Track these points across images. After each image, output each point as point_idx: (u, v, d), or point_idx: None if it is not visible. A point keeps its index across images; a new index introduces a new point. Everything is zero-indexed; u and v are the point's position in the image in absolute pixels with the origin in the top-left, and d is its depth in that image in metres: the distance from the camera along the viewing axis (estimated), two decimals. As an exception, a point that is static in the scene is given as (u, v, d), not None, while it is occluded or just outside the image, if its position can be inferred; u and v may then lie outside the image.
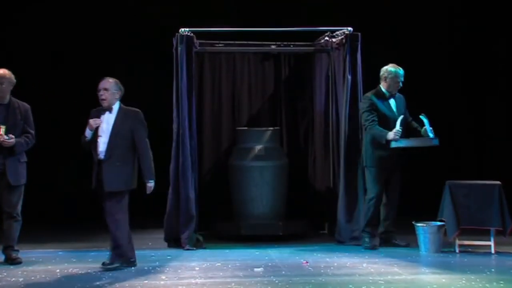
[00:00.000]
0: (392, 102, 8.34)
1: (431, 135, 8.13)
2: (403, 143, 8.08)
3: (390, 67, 8.34)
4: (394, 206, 8.38)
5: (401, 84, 8.33)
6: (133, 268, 7.23)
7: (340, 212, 8.54)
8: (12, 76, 7.58)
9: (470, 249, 8.06)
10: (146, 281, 6.69)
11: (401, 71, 8.33)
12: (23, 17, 10.67)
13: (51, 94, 10.56)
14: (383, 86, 8.34)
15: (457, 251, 7.96)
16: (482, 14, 11.00)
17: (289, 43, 9.41)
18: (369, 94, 8.35)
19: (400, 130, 8.07)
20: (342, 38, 8.71)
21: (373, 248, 8.15)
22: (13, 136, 7.39)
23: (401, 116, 8.16)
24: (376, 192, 8.23)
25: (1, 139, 7.35)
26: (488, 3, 10.90)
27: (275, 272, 6.98)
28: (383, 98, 8.32)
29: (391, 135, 8.05)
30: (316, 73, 9.55)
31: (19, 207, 7.58)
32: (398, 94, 8.40)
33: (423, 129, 8.24)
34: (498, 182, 7.93)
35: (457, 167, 8.58)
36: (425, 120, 8.16)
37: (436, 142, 8.14)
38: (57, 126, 10.49)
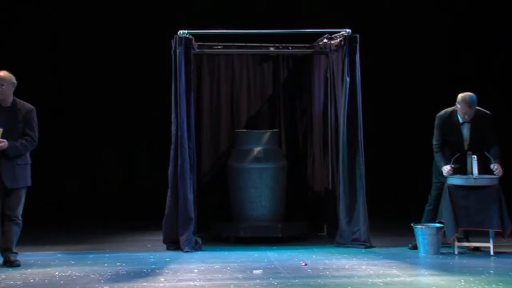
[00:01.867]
0: (465, 127, 8.06)
1: (474, 173, 7.88)
2: (454, 181, 7.92)
3: (460, 96, 7.99)
4: None
5: (467, 116, 7.96)
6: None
7: (340, 215, 8.54)
8: (13, 78, 7.53)
9: (468, 251, 8.07)
10: (145, 284, 6.68)
11: (471, 100, 7.90)
12: (23, 18, 10.67)
13: (51, 97, 10.56)
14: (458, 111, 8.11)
15: (456, 252, 7.96)
16: (481, 16, 11.01)
17: (287, 45, 9.42)
18: (444, 112, 8.14)
19: (451, 168, 7.92)
20: (340, 40, 8.71)
21: (414, 248, 8.16)
22: (3, 140, 7.33)
23: (457, 154, 7.91)
24: (433, 195, 8.24)
25: None
26: (487, 8, 10.91)
27: (274, 274, 6.98)
28: (455, 122, 8.08)
29: (444, 170, 7.98)
30: (315, 75, 9.55)
31: (20, 210, 7.53)
32: (480, 114, 8.02)
33: (491, 165, 7.97)
34: (497, 184, 7.93)
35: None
36: (474, 161, 7.90)
37: (478, 182, 7.89)
38: (58, 127, 10.49)
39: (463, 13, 11.06)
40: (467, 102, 7.95)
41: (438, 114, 8.21)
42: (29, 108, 7.60)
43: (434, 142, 8.22)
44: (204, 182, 9.44)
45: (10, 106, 7.52)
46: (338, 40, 8.79)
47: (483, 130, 8.08)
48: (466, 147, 8.09)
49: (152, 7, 10.72)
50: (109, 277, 6.98)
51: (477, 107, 8.07)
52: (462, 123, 8.09)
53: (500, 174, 7.94)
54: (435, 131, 8.22)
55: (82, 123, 10.80)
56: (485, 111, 8.15)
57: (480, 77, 11.14)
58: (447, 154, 8.10)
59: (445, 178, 8.07)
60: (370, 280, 6.71)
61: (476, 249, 8.11)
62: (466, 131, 8.10)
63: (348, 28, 8.65)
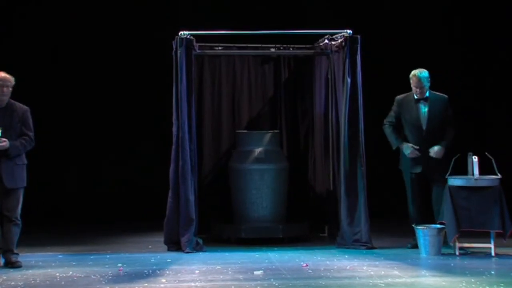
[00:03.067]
0: (421, 105, 8.27)
1: (475, 174, 7.91)
2: (455, 182, 7.92)
3: (413, 71, 8.28)
4: (436, 209, 8.22)
5: (419, 90, 8.19)
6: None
7: (341, 216, 8.53)
8: (13, 80, 7.61)
9: (470, 252, 8.06)
10: (146, 284, 6.68)
11: (419, 75, 8.20)
12: (23, 20, 10.67)
13: (51, 97, 10.56)
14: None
15: (457, 253, 7.96)
16: (482, 16, 11.01)
17: (288, 46, 9.42)
18: (402, 95, 8.42)
19: (413, 149, 8.16)
20: (341, 41, 8.71)
21: (413, 247, 8.20)
22: (5, 140, 7.37)
23: (458, 155, 7.95)
24: (409, 193, 8.36)
25: None
26: (488, 8, 10.90)
27: (275, 275, 6.98)
28: (412, 101, 8.30)
29: (407, 151, 8.19)
30: (316, 76, 9.55)
31: (18, 211, 7.55)
32: (437, 97, 8.29)
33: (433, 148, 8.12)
34: (498, 185, 7.92)
35: (458, 168, 8.57)
36: (474, 161, 7.95)
37: (479, 183, 7.91)
38: (56, 128, 10.48)
39: (463, 13, 11.04)
40: (416, 75, 8.23)
41: (398, 96, 8.45)
42: (25, 109, 7.66)
43: (385, 121, 8.43)
44: (205, 183, 9.44)
45: (6, 106, 7.55)
46: (339, 41, 8.79)
47: (441, 113, 8.26)
48: (424, 127, 8.23)
49: (152, 8, 10.71)
50: (110, 278, 6.98)
51: (435, 92, 8.33)
52: (418, 101, 8.27)
53: (437, 156, 8.10)
54: (390, 112, 8.44)
55: (82, 124, 10.79)
56: (443, 94, 8.36)
57: (480, 77, 11.13)
58: (408, 137, 8.31)
59: (418, 170, 8.22)
60: (371, 281, 6.71)
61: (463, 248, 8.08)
62: (423, 109, 8.27)
63: (349, 29, 8.65)
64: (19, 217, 7.56)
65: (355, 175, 8.49)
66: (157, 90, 10.33)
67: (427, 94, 8.30)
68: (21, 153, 7.54)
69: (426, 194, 8.34)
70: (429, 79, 8.28)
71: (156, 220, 8.86)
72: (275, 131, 9.36)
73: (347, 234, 8.48)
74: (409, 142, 8.29)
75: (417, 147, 8.20)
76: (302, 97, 9.77)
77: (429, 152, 8.19)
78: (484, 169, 8.04)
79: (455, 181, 7.96)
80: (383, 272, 7.09)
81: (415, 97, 8.30)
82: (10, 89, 7.56)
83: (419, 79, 8.23)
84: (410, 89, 8.49)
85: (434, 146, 8.18)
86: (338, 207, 8.69)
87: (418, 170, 8.28)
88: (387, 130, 8.41)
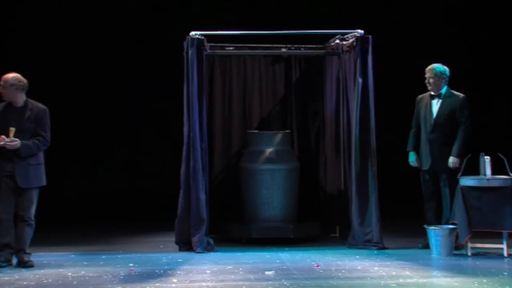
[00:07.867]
0: (435, 102, 8.33)
1: (487, 174, 7.92)
2: (467, 182, 7.93)
3: None
4: (445, 210, 8.25)
5: (428, 81, 8.28)
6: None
7: (353, 216, 8.52)
8: (17, 80, 7.54)
9: (482, 252, 8.04)
10: (158, 284, 6.69)
11: (433, 65, 8.31)
12: (27, 25, 10.69)
13: (57, 97, 10.56)
14: None
15: (469, 254, 7.93)
16: (494, 16, 10.98)
17: (299, 46, 9.41)
18: (422, 94, 8.51)
19: (417, 163, 8.38)
20: (353, 41, 8.70)
21: (424, 247, 8.20)
22: (17, 139, 7.38)
23: (469, 155, 8.00)
24: (423, 192, 8.40)
25: (2, 142, 7.35)
26: (498, 9, 10.88)
27: (286, 275, 6.98)
28: (428, 98, 8.38)
29: (410, 159, 8.44)
30: (327, 76, 9.55)
31: (32, 211, 7.57)
32: (451, 95, 8.31)
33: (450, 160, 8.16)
34: (511, 185, 7.89)
35: (468, 168, 8.55)
36: (487, 161, 7.94)
37: (491, 183, 7.91)
38: (67, 128, 10.50)
39: (473, 13, 11.02)
40: (430, 66, 8.34)
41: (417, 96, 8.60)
42: (41, 108, 7.64)
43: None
44: (216, 183, 9.45)
45: (22, 106, 7.56)
46: (350, 41, 8.78)
47: (451, 110, 8.26)
48: (431, 121, 8.28)
49: (164, 8, 10.72)
50: (121, 277, 7.00)
51: (454, 91, 8.34)
52: (433, 97, 8.32)
53: (454, 166, 8.11)
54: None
55: (95, 123, 10.82)
56: (459, 93, 8.36)
57: (492, 76, 11.09)
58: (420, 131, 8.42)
59: (426, 169, 8.31)
60: (382, 281, 6.70)
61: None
62: (435, 105, 8.33)
63: (360, 29, 8.63)
64: (32, 217, 7.58)
65: (366, 175, 8.48)
66: (168, 90, 10.33)
67: (443, 91, 8.31)
68: (33, 153, 7.52)
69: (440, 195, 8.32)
70: (444, 75, 8.29)
71: (167, 220, 8.86)
72: (286, 131, 9.36)
73: (358, 234, 8.47)
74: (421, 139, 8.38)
75: (419, 165, 8.37)
76: (313, 97, 9.77)
77: (436, 148, 8.23)
78: (496, 169, 8.02)
79: (467, 181, 7.94)
80: (394, 273, 7.08)
81: (431, 93, 8.34)
82: (8, 90, 7.50)
83: (430, 70, 8.30)
84: (422, 89, 8.49)
85: (450, 157, 8.18)
86: (349, 207, 8.69)
87: (427, 166, 8.30)
88: (410, 135, 8.51)
